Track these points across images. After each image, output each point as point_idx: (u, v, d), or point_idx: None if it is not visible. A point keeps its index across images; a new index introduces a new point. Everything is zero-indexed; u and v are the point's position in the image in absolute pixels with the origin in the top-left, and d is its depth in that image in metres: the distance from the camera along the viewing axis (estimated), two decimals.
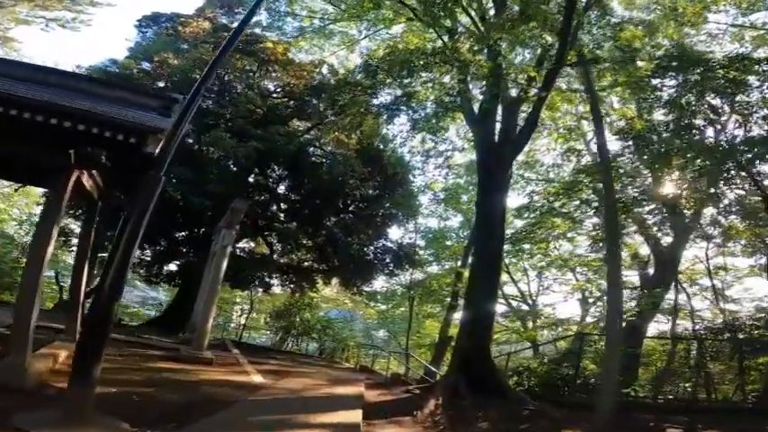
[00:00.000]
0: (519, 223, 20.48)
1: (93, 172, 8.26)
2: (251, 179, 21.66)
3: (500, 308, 28.27)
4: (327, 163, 20.87)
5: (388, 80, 14.83)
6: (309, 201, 21.30)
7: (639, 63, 14.47)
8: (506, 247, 20.11)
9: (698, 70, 13.47)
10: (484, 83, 14.75)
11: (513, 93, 15.36)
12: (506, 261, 25.09)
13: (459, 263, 22.81)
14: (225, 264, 12.56)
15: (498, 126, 15.04)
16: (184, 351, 11.53)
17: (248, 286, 25.38)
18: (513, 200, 22.04)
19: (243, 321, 30.75)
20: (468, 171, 22.27)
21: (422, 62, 13.61)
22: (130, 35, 39.13)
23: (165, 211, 18.56)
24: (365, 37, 21.24)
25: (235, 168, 19.83)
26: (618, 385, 9.78)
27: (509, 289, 26.44)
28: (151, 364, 10.02)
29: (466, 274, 22.74)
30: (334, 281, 26.05)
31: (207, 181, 16.55)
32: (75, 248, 22.12)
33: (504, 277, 25.35)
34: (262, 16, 22.47)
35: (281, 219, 21.52)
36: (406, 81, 14.20)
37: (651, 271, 20.83)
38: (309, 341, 28.69)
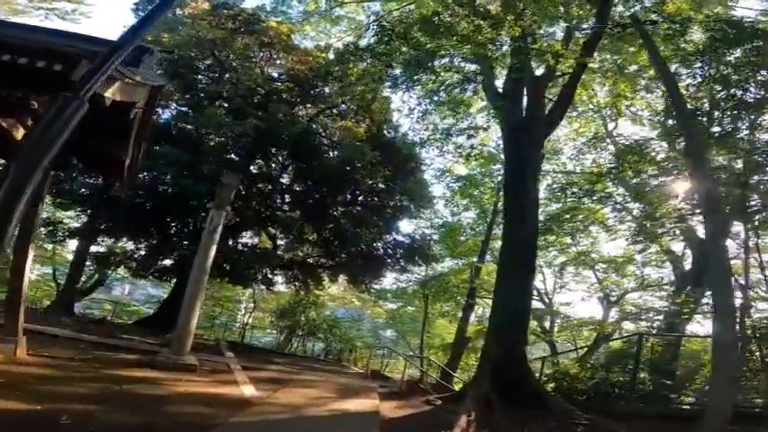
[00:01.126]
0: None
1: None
2: (253, 168, 19.56)
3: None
4: (335, 147, 18.67)
5: (403, 48, 12.71)
6: (315, 189, 19.15)
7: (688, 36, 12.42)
8: None
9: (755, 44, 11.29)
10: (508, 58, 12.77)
11: (538, 73, 13.32)
12: None
13: (476, 258, 20.64)
14: (213, 251, 10.38)
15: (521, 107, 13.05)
16: (162, 356, 9.33)
17: (250, 283, 23.23)
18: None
19: (247, 320, 28.56)
20: (485, 162, 20.04)
21: (442, 23, 11.47)
22: (128, 22, 37.27)
23: (157, 199, 16.67)
24: (375, 21, 19.32)
25: (235, 157, 17.79)
26: (732, 395, 7.55)
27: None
28: (114, 372, 7.84)
29: (486, 269, 20.81)
30: (341, 278, 23.91)
31: (202, 161, 14.36)
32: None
33: None
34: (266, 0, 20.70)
35: (285, 209, 19.30)
36: (424, 46, 12.01)
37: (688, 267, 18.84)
38: (315, 341, 26.49)
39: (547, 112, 13.18)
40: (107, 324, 15.35)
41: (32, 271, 30.96)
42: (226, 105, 16.50)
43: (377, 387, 11.85)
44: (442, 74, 12.57)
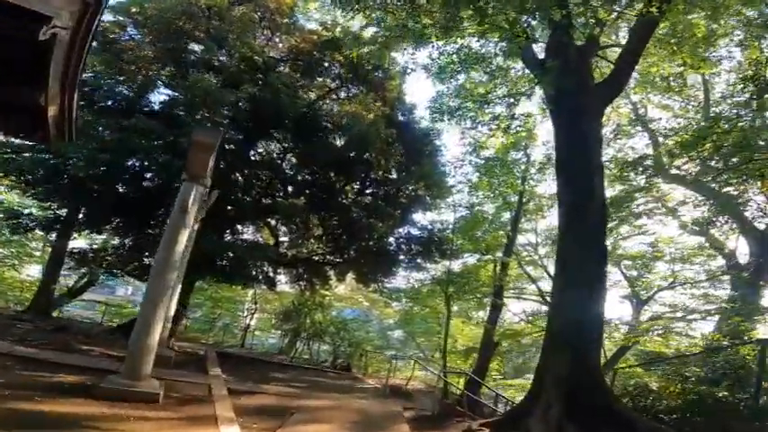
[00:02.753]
0: None
1: None
2: (252, 154, 16.72)
3: (538, 307, 23.32)
4: (343, 129, 15.77)
5: None
6: (321, 176, 16.26)
7: None
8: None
9: None
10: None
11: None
12: (542, 251, 20.10)
13: (500, 253, 17.74)
14: (185, 237, 7.53)
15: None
16: (111, 381, 6.43)
17: (250, 282, 20.31)
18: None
19: (249, 323, 25.60)
20: (523, 138, 17.02)
21: None
22: None
23: (135, 183, 13.80)
24: None
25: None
26: None
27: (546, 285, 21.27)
28: (29, 405, 5.01)
29: (513, 264, 18.00)
30: (350, 277, 21.03)
31: (184, 136, 11.40)
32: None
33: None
34: None
35: (288, 198, 16.36)
36: None
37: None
38: (322, 344, 23.51)
39: (610, 72, 10.42)
40: (70, 331, 12.46)
41: (18, 269, 28.43)
42: (219, 76, 13.56)
43: (402, 411, 8.95)
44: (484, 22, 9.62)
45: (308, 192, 16.53)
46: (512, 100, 11.31)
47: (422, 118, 17.90)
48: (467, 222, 17.78)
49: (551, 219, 18.70)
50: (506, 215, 18.50)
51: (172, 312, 10.84)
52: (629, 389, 9.38)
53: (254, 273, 18.46)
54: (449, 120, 11.75)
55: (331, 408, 8.22)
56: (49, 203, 14.57)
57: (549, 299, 19.06)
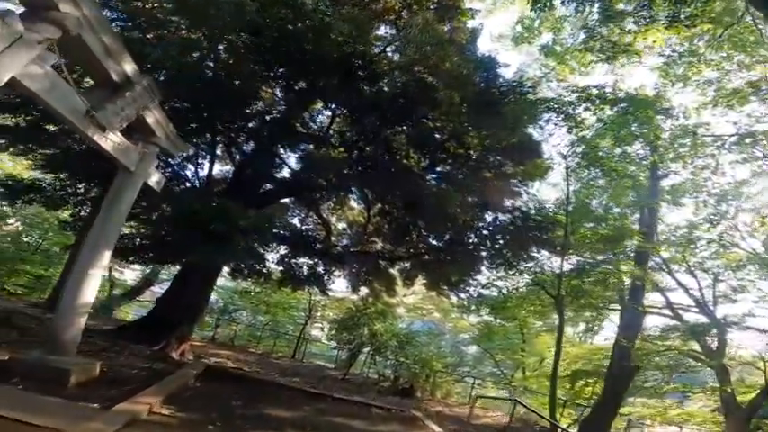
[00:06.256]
0: None
1: None
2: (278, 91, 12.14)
3: (656, 320, 16.62)
4: (404, 70, 10.82)
5: None
6: (374, 136, 11.41)
7: None
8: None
9: None
10: None
11: None
12: (665, 254, 13.54)
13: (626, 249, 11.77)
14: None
15: None
16: None
17: (301, 285, 15.86)
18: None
19: (304, 331, 21.19)
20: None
21: None
22: None
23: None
24: None
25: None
26: None
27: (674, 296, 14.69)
28: None
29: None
30: (419, 281, 15.92)
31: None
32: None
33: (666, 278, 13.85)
34: None
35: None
36: None
37: None
38: (383, 359, 18.51)
39: None
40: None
41: None
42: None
43: None
44: None
45: (358, 157, 11.71)
46: None
47: (505, 65, 12.56)
48: (579, 206, 11.86)
49: None
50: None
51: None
52: None
53: (307, 275, 13.98)
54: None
55: None
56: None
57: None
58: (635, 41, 8.91)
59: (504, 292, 13.41)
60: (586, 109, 10.53)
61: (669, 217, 13.98)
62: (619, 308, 12.22)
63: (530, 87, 12.12)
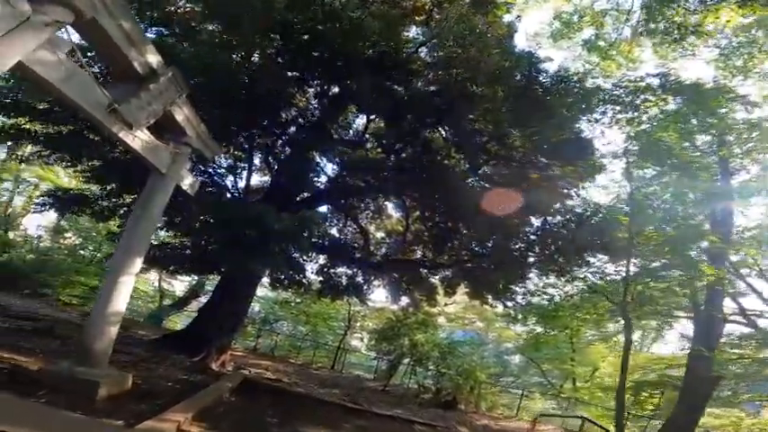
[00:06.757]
0: None
1: None
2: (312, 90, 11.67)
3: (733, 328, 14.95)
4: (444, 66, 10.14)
5: None
6: (412, 138, 10.74)
7: None
8: None
9: None
10: None
11: None
12: (734, 257, 11.90)
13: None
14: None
15: None
16: None
17: (340, 295, 15.35)
18: None
19: (343, 342, 20.64)
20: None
21: None
22: None
23: None
24: None
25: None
26: None
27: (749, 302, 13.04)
28: None
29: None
30: (461, 289, 15.05)
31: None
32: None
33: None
34: None
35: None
36: None
37: None
38: (425, 370, 17.61)
39: None
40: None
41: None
42: None
43: None
44: None
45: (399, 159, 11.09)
46: None
47: (549, 59, 11.63)
48: (641, 206, 10.58)
49: None
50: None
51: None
52: None
53: (345, 285, 13.48)
54: None
55: None
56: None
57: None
58: (704, 21, 7.88)
59: (557, 299, 12.28)
60: (645, 101, 9.46)
61: (737, 217, 12.47)
62: (690, 315, 10.89)
63: (576, 82, 11.18)
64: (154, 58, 4.31)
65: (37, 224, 23.31)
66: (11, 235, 20.21)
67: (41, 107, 7.92)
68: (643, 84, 9.21)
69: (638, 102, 9.25)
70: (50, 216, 19.95)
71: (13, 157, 10.64)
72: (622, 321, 13.06)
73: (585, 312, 12.22)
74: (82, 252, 22.29)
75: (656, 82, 9.44)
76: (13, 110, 7.91)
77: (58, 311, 13.94)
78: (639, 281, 9.84)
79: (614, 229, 10.13)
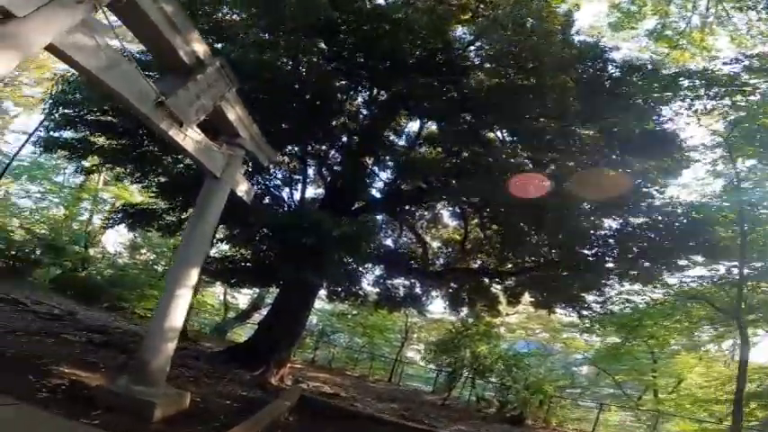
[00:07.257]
0: None
1: None
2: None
3: None
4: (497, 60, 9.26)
5: None
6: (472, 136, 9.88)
7: None
8: None
9: None
10: None
11: None
12: None
13: None
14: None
15: None
16: None
17: (398, 307, 14.63)
18: None
19: (400, 354, 19.79)
20: None
21: None
22: None
23: None
24: None
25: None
26: None
27: None
28: None
29: None
30: (525, 299, 13.83)
31: None
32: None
33: None
34: None
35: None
36: None
37: None
38: (487, 383, 16.26)
39: None
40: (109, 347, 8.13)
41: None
42: None
43: None
44: None
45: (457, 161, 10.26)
46: None
47: (616, 48, 10.35)
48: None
49: None
50: None
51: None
52: None
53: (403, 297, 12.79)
54: None
55: None
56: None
57: None
58: None
59: (641, 307, 10.76)
60: (743, 84, 8.02)
61: None
62: None
63: (652, 71, 9.88)
64: (200, 47, 3.93)
65: (114, 241, 24.72)
66: (91, 251, 21.35)
67: (105, 119, 8.01)
68: (740, 65, 7.81)
69: (738, 83, 7.84)
70: (127, 234, 21.01)
71: (82, 171, 10.92)
72: (717, 329, 11.34)
73: (675, 321, 10.59)
74: (156, 267, 23.20)
75: (755, 63, 8.00)
76: (80, 123, 8.06)
77: (132, 324, 14.29)
78: (753, 284, 8.25)
79: (712, 228, 8.63)
